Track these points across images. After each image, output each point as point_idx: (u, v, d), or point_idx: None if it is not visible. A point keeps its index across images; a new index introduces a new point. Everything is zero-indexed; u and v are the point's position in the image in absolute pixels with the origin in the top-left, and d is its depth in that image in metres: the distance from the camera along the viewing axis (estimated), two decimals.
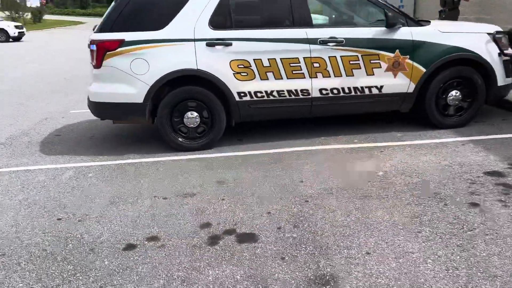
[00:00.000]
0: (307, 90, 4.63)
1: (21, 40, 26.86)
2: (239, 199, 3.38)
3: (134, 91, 4.44)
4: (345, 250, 2.58)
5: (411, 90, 4.77)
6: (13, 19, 38.71)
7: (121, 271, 2.49)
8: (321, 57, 4.57)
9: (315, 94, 4.66)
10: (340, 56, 4.59)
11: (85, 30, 36.09)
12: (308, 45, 4.52)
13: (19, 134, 5.53)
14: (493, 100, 5.10)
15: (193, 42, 4.42)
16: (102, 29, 4.50)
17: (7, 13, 40.10)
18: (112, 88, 4.50)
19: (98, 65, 4.46)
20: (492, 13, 10.70)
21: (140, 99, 4.45)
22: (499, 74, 4.86)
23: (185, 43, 4.42)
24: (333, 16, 5.15)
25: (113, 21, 4.47)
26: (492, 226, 2.77)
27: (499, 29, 5.02)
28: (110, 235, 2.89)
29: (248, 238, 2.79)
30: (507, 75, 4.92)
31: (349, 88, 4.69)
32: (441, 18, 11.18)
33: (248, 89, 4.54)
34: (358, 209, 3.11)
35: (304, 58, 4.55)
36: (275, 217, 3.05)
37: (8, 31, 26.63)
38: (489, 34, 4.81)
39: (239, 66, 4.48)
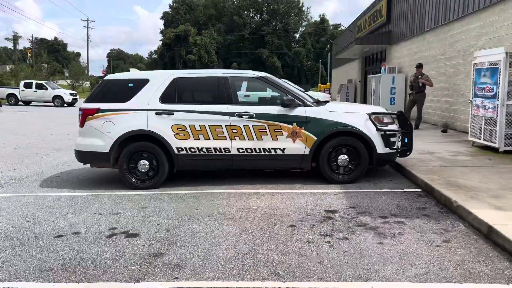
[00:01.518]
0: (228, 148, 6.34)
1: (74, 105, 30.80)
2: (147, 216, 5.01)
3: (103, 144, 6.33)
4: (188, 244, 4.13)
5: (306, 152, 6.36)
6: (73, 88, 43.96)
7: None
8: (238, 125, 6.31)
9: (234, 152, 6.35)
10: (252, 126, 6.32)
11: None
12: (228, 116, 6.30)
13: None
14: (378, 164, 6.54)
15: (147, 112, 6.33)
16: (87, 100, 6.56)
17: (68, 81, 45.56)
18: (89, 141, 6.42)
19: (81, 125, 6.45)
20: (454, 96, 12.23)
21: (107, 150, 6.32)
22: (378, 144, 6.36)
23: (141, 112, 6.33)
24: (248, 96, 6.94)
25: (95, 95, 6.52)
26: (293, 236, 4.23)
27: (377, 110, 6.61)
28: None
29: (132, 235, 4.39)
30: (386, 145, 6.40)
31: (259, 149, 6.35)
32: (410, 99, 12.78)
33: (184, 145, 6.32)
34: (214, 225, 4.65)
35: (225, 125, 6.31)
36: (163, 227, 4.65)
37: (64, 97, 30.84)
38: (367, 114, 6.39)
39: (178, 129, 6.31)
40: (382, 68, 17.78)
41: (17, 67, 48.75)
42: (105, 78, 6.75)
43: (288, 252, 3.87)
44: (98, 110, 6.39)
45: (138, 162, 6.39)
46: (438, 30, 13.71)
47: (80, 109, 6.50)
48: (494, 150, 8.16)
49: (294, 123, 6.34)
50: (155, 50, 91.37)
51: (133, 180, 6.39)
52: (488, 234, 4.08)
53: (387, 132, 6.44)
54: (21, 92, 31.15)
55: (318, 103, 6.66)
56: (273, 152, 6.37)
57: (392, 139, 6.57)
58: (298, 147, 6.36)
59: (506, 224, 4.05)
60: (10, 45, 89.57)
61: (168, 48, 76.45)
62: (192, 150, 6.35)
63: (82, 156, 6.54)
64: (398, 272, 3.42)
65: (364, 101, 23.61)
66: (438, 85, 13.30)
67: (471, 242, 4.03)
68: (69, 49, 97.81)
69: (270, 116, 6.34)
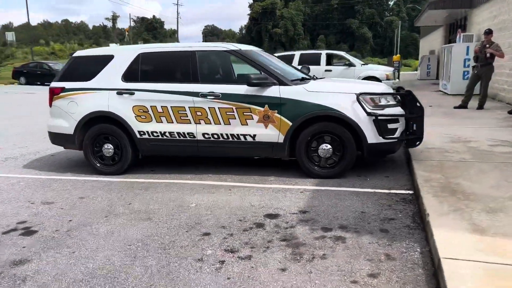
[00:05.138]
0: (193, 133, 5.59)
1: None
2: (73, 209, 4.53)
3: (68, 125, 5.96)
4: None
5: (281, 140, 5.36)
6: None
7: None
8: (202, 107, 5.52)
9: (199, 137, 5.59)
10: (218, 108, 5.47)
11: None
12: (192, 97, 5.52)
13: None
14: (371, 155, 5.32)
15: (108, 91, 5.79)
16: (55, 79, 6.20)
17: None
18: (57, 122, 6.10)
19: (50, 105, 6.14)
20: None
21: (71, 131, 5.95)
22: (369, 132, 5.14)
23: (103, 91, 5.82)
24: (217, 73, 5.99)
25: (62, 73, 6.15)
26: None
27: (370, 89, 5.31)
28: None
29: (29, 233, 3.94)
30: (381, 133, 5.15)
31: (227, 135, 5.50)
32: (473, 73, 10.81)
33: (146, 129, 5.70)
34: (118, 229, 4.01)
35: (189, 107, 5.55)
36: (69, 225, 4.14)
37: None
38: (356, 94, 5.17)
39: (139, 110, 5.70)
40: (458, 37, 15.36)
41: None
42: (73, 54, 6.34)
43: (161, 272, 3.10)
44: (63, 90, 6.02)
45: (103, 146, 5.93)
46: None
47: (49, 89, 6.19)
48: None
49: (266, 105, 5.36)
50: (244, 25, 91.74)
51: (98, 164, 5.96)
52: (436, 270, 2.89)
53: (382, 117, 5.17)
54: None
55: (310, 80, 5.58)
56: (242, 138, 5.49)
57: (391, 126, 5.27)
58: (270, 133, 5.40)
59: (460, 258, 2.82)
60: (108, 25, 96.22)
61: (255, 22, 76.06)
62: (155, 134, 5.71)
63: (53, 137, 6.26)
64: None
65: (437, 76, 20.97)
66: None
67: (407, 280, 2.88)
68: (168, 26, 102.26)
69: (238, 97, 5.43)
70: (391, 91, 5.69)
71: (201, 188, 5.15)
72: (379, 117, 5.13)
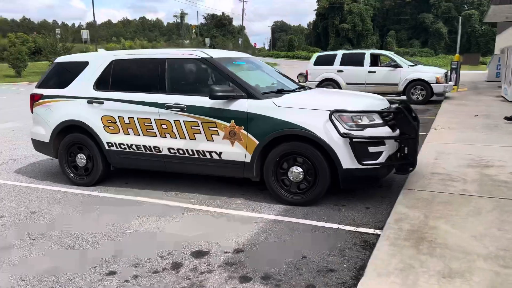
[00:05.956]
0: (159, 147, 5.19)
1: None
2: (12, 228, 4.33)
3: (45, 133, 5.83)
4: None
5: (248, 159, 4.78)
6: None
7: None
8: (168, 120, 5.09)
9: (165, 152, 5.17)
10: (183, 121, 5.01)
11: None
12: (158, 108, 5.11)
13: None
14: (347, 183, 4.56)
15: (80, 100, 5.56)
16: (36, 85, 6.09)
17: None
18: (37, 129, 6.00)
19: (31, 111, 6.05)
20: None
21: (47, 139, 5.81)
22: (343, 155, 4.40)
23: (76, 100, 5.59)
24: (186, 83, 5.44)
25: (42, 80, 6.02)
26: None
27: (344, 107, 4.51)
28: None
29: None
30: (358, 158, 4.39)
31: (192, 151, 5.03)
32: None
33: (114, 140, 5.39)
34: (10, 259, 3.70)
35: (155, 119, 5.15)
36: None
37: None
38: (330, 111, 4.44)
39: (108, 121, 5.40)
40: None
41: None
42: (56, 60, 6.18)
43: None
44: (41, 96, 5.89)
45: (76, 156, 5.72)
46: None
47: (30, 95, 6.10)
48: None
49: (232, 121, 4.80)
50: (312, 21, 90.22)
51: (71, 175, 5.76)
52: None
53: (360, 140, 4.40)
54: None
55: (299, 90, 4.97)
56: (208, 156, 4.98)
57: (373, 149, 4.48)
58: (237, 152, 4.83)
59: None
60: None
61: (322, 18, 74.38)
62: (122, 146, 5.38)
63: (35, 144, 6.16)
64: None
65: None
66: None
67: None
68: (237, 23, 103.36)
69: (204, 110, 4.92)
70: (382, 107, 4.85)
71: (156, 209, 4.73)
72: (355, 139, 4.36)
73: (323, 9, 72.97)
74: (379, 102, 5.03)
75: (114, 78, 5.50)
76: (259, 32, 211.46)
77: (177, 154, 5.12)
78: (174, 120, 5.06)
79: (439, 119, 9.75)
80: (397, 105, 4.96)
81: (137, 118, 5.24)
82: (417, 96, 14.02)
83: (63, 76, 5.84)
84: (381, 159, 4.52)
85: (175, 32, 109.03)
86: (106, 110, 5.39)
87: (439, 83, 13.72)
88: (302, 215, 4.43)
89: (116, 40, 63.59)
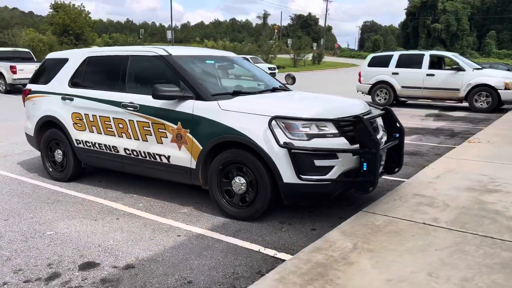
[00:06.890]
0: (116, 147, 5.02)
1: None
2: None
3: (31, 127, 5.98)
4: None
5: (193, 166, 4.41)
6: (294, 61, 45.69)
7: None
8: (123, 119, 4.89)
9: (122, 152, 4.98)
10: (136, 121, 4.78)
11: (348, 71, 39.41)
12: (116, 107, 4.94)
13: None
14: (289, 199, 3.98)
15: (56, 96, 5.59)
16: (29, 80, 6.27)
17: (291, 55, 47.54)
18: (27, 123, 6.18)
19: (24, 105, 6.24)
20: None
21: (32, 133, 5.95)
22: (284, 168, 3.84)
23: (54, 96, 5.64)
24: (144, 82, 5.09)
25: (33, 76, 6.18)
26: None
27: (288, 113, 3.89)
28: None
29: None
30: (299, 172, 3.79)
31: (144, 153, 4.78)
32: None
33: (81, 137, 5.34)
34: None
35: (113, 118, 4.99)
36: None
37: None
38: (272, 117, 3.89)
39: (76, 118, 5.36)
40: None
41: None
42: (46, 56, 6.30)
43: None
44: (29, 92, 6.05)
45: (55, 151, 5.78)
46: None
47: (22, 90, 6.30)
48: None
49: (179, 123, 4.46)
50: (402, 21, 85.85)
51: (50, 169, 5.84)
52: None
53: (301, 151, 3.80)
54: None
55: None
56: (158, 159, 4.69)
57: (321, 162, 3.85)
58: (183, 156, 4.48)
59: None
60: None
61: (413, 17, 70.30)
62: (88, 144, 5.30)
63: (27, 138, 6.36)
64: None
65: None
66: None
67: None
68: (327, 23, 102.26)
69: (154, 110, 4.63)
70: (348, 115, 4.15)
71: (97, 212, 4.55)
72: (295, 150, 3.78)
73: (414, 8, 68.93)
74: (347, 109, 4.34)
75: (86, 75, 5.45)
76: (349, 32, 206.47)
77: (132, 155, 4.90)
78: (129, 120, 4.85)
79: (485, 131, 8.45)
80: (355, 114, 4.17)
81: (99, 116, 5.12)
82: (481, 103, 12.45)
83: (48, 72, 5.93)
84: (332, 174, 3.87)
85: (262, 33, 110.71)
86: (76, 107, 5.36)
87: (508, 89, 12.02)
88: (233, 231, 3.95)
89: (199, 41, 65.90)
